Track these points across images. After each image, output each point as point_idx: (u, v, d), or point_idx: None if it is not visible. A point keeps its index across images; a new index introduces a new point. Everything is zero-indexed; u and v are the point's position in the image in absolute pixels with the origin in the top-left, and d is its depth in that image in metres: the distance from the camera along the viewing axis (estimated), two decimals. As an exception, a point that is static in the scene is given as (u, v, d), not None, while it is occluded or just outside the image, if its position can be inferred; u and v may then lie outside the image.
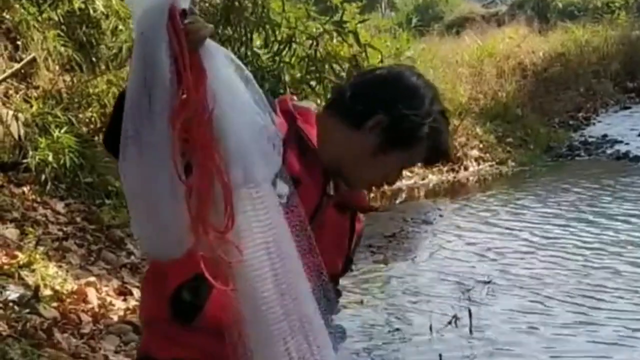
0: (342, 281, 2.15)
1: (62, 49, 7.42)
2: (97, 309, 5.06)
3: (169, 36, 1.55)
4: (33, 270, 5.13)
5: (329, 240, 1.95)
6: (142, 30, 1.56)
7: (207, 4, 7.57)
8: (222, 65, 1.63)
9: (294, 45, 7.63)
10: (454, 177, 11.18)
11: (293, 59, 7.80)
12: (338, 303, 2.12)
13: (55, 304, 4.89)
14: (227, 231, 1.61)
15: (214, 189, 1.61)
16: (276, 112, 1.89)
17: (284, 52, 7.60)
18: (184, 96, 1.57)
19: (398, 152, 1.94)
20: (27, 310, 4.73)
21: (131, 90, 1.58)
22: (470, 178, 11.32)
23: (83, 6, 7.65)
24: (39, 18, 7.37)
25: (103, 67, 7.74)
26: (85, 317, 4.91)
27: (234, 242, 1.62)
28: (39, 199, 6.33)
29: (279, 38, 7.59)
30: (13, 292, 4.83)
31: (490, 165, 11.71)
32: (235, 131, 1.63)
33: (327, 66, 7.77)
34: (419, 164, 2.10)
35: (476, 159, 11.64)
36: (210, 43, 1.61)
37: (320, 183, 1.96)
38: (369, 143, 1.92)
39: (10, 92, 6.87)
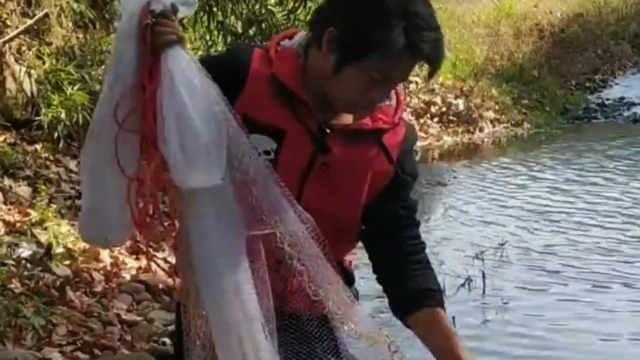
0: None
1: (75, 5, 7.34)
2: (109, 268, 5.05)
3: (138, 35, 1.65)
4: (45, 228, 5.12)
5: (341, 181, 1.89)
6: (118, 28, 1.72)
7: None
8: (186, 70, 1.67)
9: (309, 3, 7.52)
10: (469, 139, 11.10)
11: (308, 17, 7.71)
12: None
13: (67, 262, 4.89)
14: (172, 230, 1.72)
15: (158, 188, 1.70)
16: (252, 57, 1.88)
17: (298, 10, 7.50)
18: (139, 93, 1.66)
19: (355, 64, 1.80)
20: (40, 268, 4.73)
21: (104, 85, 1.69)
22: (486, 140, 11.25)
23: (97, -38, 7.57)
24: (52, -27, 7.30)
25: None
26: (98, 276, 4.91)
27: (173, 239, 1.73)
28: (51, 157, 6.31)
29: (293, -4, 7.51)
30: (25, 250, 4.83)
31: (506, 127, 11.62)
32: (195, 132, 1.65)
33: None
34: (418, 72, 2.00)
35: (491, 121, 11.54)
36: (177, 49, 1.67)
37: (307, 126, 1.87)
38: (329, 61, 1.82)
39: (23, 48, 6.82)
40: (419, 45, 1.80)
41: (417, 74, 11.69)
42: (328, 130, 1.90)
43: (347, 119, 1.93)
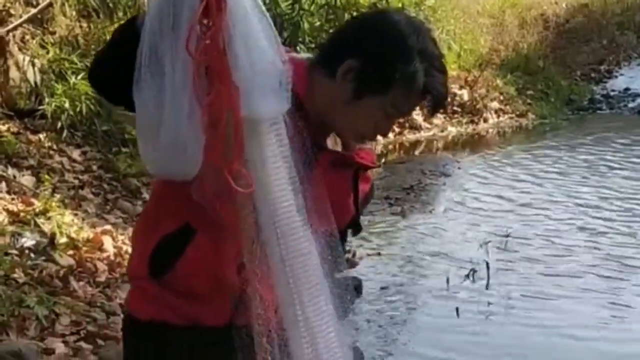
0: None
1: (79, -6, 7.34)
2: (113, 258, 5.05)
3: None
4: (49, 218, 5.12)
5: (318, 198, 1.85)
6: None
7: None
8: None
9: (313, -6, 7.54)
10: (473, 129, 11.09)
11: (312, 6, 7.71)
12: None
13: (71, 252, 4.89)
14: (236, 161, 1.60)
15: (225, 118, 1.58)
16: None
17: (303, 0, 7.50)
18: (205, 20, 1.54)
19: (374, 98, 1.83)
20: (43, 258, 4.73)
21: (154, 9, 1.56)
22: (490, 130, 11.23)
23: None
24: (56, -38, 7.28)
25: (120, 13, 7.65)
26: (101, 266, 4.91)
27: (243, 172, 1.61)
28: (55, 147, 6.31)
29: (298, -15, 7.50)
30: (29, 240, 4.83)
31: (510, 118, 11.60)
32: (244, 64, 1.58)
33: (346, 14, 7.67)
34: (428, 111, 1.94)
35: (496, 111, 11.53)
36: None
37: (304, 137, 1.82)
38: (344, 91, 1.82)
39: (27, 37, 6.80)
40: (435, 86, 1.85)
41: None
42: (329, 147, 1.93)
43: (332, 145, 1.96)
